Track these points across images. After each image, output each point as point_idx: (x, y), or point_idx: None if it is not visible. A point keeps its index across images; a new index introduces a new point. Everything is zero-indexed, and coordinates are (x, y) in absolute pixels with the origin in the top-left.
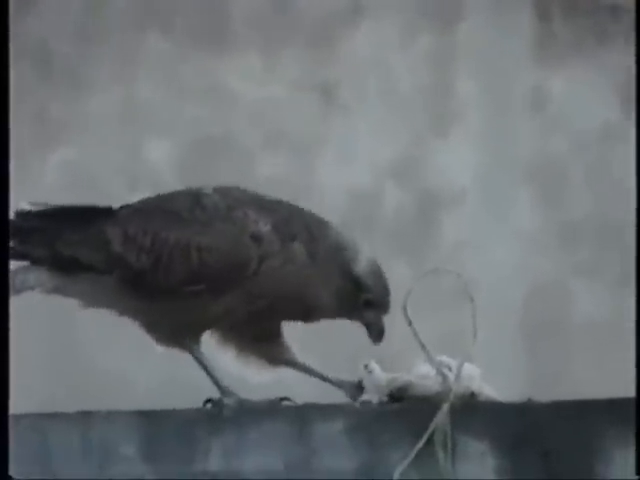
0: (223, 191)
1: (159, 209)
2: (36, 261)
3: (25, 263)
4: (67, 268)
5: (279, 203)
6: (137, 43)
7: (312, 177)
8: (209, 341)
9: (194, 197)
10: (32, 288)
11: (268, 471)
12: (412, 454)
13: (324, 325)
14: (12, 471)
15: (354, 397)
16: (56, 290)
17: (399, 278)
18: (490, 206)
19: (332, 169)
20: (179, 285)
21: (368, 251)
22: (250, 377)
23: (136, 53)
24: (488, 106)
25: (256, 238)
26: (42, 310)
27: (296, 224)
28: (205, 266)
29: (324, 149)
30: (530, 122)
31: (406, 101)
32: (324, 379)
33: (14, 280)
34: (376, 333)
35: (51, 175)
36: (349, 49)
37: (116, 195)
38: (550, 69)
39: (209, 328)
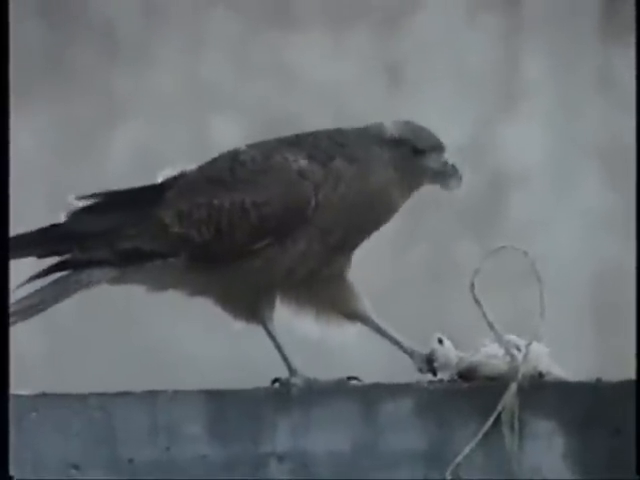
0: (255, 144)
1: (202, 179)
2: (99, 263)
3: None
4: (131, 260)
5: (303, 134)
6: (203, 21)
7: None
8: (284, 312)
9: (231, 157)
10: (99, 282)
11: (335, 451)
12: (479, 434)
13: (393, 305)
14: (78, 451)
15: (422, 369)
16: (123, 281)
17: (468, 257)
18: (558, 185)
19: None
20: (246, 245)
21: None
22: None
23: (202, 31)
24: (555, 85)
25: (302, 174)
26: (109, 291)
27: (323, 143)
28: (266, 219)
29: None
30: (597, 100)
31: (473, 80)
32: (395, 343)
33: (79, 277)
34: (449, 176)
35: (117, 152)
36: (416, 28)
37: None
38: (617, 47)
39: (282, 286)
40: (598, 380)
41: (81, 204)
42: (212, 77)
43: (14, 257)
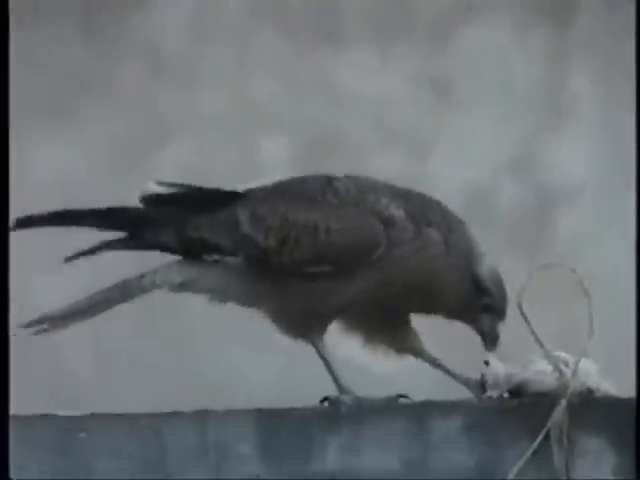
0: (355, 178)
1: (290, 191)
2: (165, 248)
3: (153, 264)
4: (195, 252)
5: (414, 192)
6: (251, 39)
7: (427, 173)
8: (333, 330)
9: (326, 181)
10: (160, 286)
11: (385, 469)
12: (529, 452)
13: (441, 323)
14: (129, 472)
15: (477, 395)
16: (184, 286)
17: (515, 274)
18: (605, 201)
19: (447, 165)
20: (303, 265)
21: (490, 257)
22: (375, 367)
23: (250, 50)
24: (603, 100)
25: (387, 222)
26: (159, 309)
27: (432, 212)
28: (331, 247)
29: (439, 145)
30: None
31: (521, 96)
32: (450, 374)
33: (140, 282)
34: (491, 340)
35: (164, 173)
36: (463, 44)
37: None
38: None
39: (336, 316)
40: None
41: (158, 189)
42: (259, 96)
43: (78, 224)
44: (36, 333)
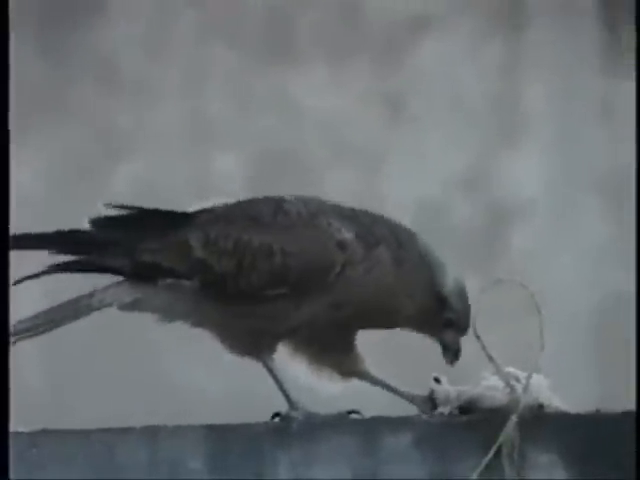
0: (304, 199)
1: (241, 214)
2: (116, 271)
3: (104, 283)
4: (147, 275)
5: (360, 211)
6: (204, 56)
7: (380, 189)
8: (280, 351)
9: (276, 203)
10: (110, 305)
11: None
12: (481, 467)
13: (394, 340)
14: None
15: (425, 411)
16: (133, 305)
17: (468, 289)
18: (560, 217)
19: (400, 181)
20: (261, 288)
21: (455, 269)
22: (321, 388)
23: (203, 66)
24: (557, 116)
25: (341, 246)
26: (109, 327)
27: (380, 229)
28: (288, 269)
29: (392, 161)
30: (598, 132)
31: (474, 111)
32: (396, 392)
33: (90, 300)
34: (452, 354)
35: (119, 188)
36: (416, 60)
37: (184, 208)
38: (617, 78)
39: (288, 337)
40: (598, 411)
41: (108, 212)
42: (213, 112)
43: (25, 248)
44: None
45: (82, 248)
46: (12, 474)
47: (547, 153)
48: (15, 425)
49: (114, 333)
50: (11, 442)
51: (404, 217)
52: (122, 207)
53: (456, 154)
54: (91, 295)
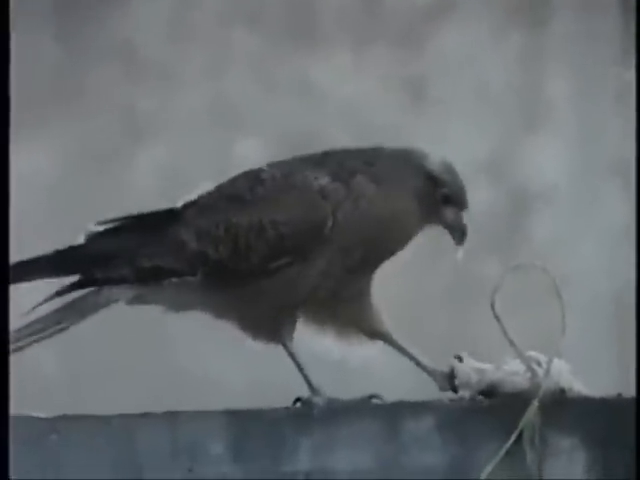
0: (277, 163)
1: (222, 198)
2: (119, 282)
3: None
4: (149, 279)
5: (330, 153)
6: (226, 39)
7: None
8: (306, 331)
9: (252, 176)
10: (116, 301)
11: (358, 470)
12: (502, 452)
13: (414, 323)
14: (100, 473)
15: (444, 388)
16: (140, 300)
17: (489, 274)
18: (580, 202)
19: None
20: (263, 264)
21: (437, 154)
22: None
23: (225, 50)
24: (578, 103)
25: (322, 193)
26: (130, 311)
27: (349, 161)
28: (283, 238)
29: (413, 145)
30: (618, 120)
31: (496, 98)
32: (416, 362)
33: (97, 298)
34: (458, 233)
35: (139, 173)
36: (439, 46)
37: (205, 191)
38: (637, 68)
39: (303, 305)
40: (619, 396)
41: (100, 228)
42: (235, 96)
43: (32, 279)
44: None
45: (83, 265)
46: (32, 459)
47: (569, 140)
48: (35, 411)
49: (132, 320)
50: (31, 428)
51: None
52: (113, 220)
53: (478, 140)
54: (97, 292)
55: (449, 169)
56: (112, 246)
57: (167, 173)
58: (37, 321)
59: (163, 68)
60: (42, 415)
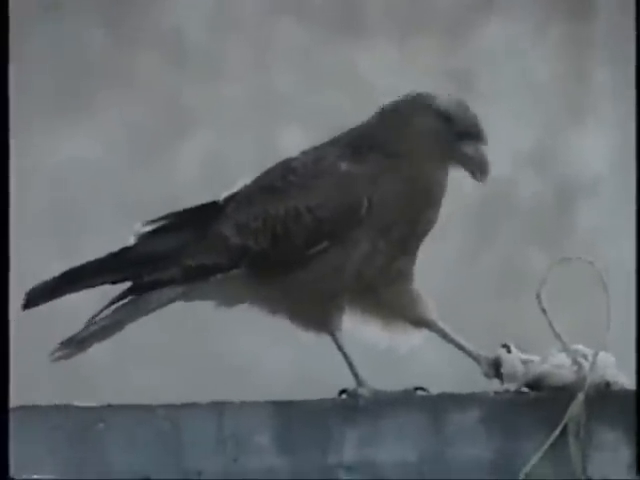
0: (308, 150)
1: (257, 189)
2: (167, 283)
3: None
4: (197, 277)
5: (343, 134)
6: (271, 30)
7: None
8: (351, 321)
9: (283, 166)
10: (168, 302)
11: (403, 462)
12: (546, 445)
13: (460, 315)
14: (146, 462)
15: (488, 374)
16: (191, 297)
17: (535, 266)
18: (626, 194)
19: None
20: (303, 250)
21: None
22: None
23: (270, 40)
24: (622, 95)
25: (350, 176)
26: (177, 304)
27: (366, 136)
28: (320, 222)
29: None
30: None
31: (541, 89)
32: (461, 348)
33: (148, 299)
34: (480, 167)
35: (185, 162)
36: (483, 37)
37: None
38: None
39: (352, 291)
40: None
41: (148, 228)
42: (279, 87)
43: (88, 286)
44: (57, 359)
45: (135, 268)
46: (78, 448)
47: (613, 130)
48: (82, 400)
49: (179, 310)
50: (78, 417)
51: (472, 193)
52: (159, 219)
53: (523, 131)
54: (149, 295)
55: (460, 104)
56: (160, 247)
57: (211, 162)
58: (89, 325)
59: (208, 57)
60: (89, 404)
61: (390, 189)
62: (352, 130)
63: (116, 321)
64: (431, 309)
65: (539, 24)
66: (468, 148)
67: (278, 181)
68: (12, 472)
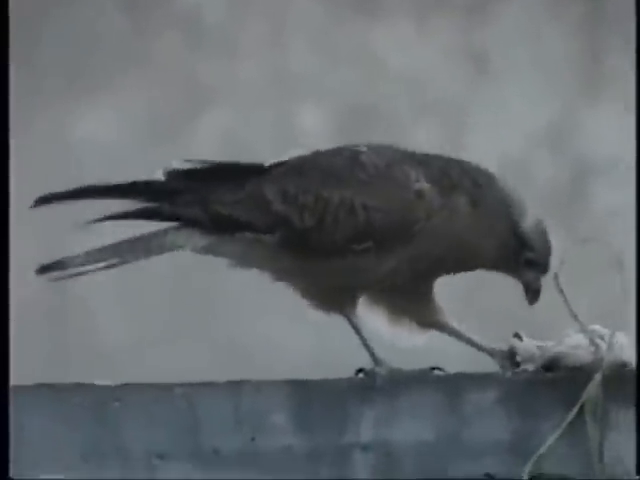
0: (378, 149)
1: (316, 168)
2: (188, 222)
3: (175, 224)
4: (224, 228)
5: (434, 156)
6: (288, 8)
7: (463, 144)
8: (360, 304)
9: (352, 155)
10: (182, 247)
11: (419, 441)
12: (563, 425)
13: (475, 296)
14: (162, 441)
15: (505, 366)
16: (208, 249)
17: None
18: None
19: (483, 136)
20: (346, 243)
21: (535, 210)
22: (401, 341)
23: (287, 19)
24: (638, 74)
25: (419, 195)
26: (194, 279)
27: (454, 173)
28: (372, 225)
29: (475, 117)
30: None
31: (557, 69)
32: (475, 345)
33: (163, 239)
34: (533, 294)
35: (202, 140)
36: (500, 16)
37: (265, 160)
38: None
39: (370, 290)
40: None
41: (180, 167)
42: (296, 65)
43: (103, 197)
44: (55, 279)
45: (154, 197)
46: (95, 426)
47: (629, 110)
48: (98, 379)
49: (195, 289)
50: (94, 395)
51: None
52: (196, 161)
53: (539, 110)
54: (164, 234)
55: (541, 231)
56: (188, 184)
57: (228, 140)
58: (98, 250)
59: (225, 36)
60: (105, 383)
61: (447, 229)
62: (435, 156)
63: (116, 254)
64: (443, 314)
65: (555, 4)
66: (530, 274)
67: (343, 170)
68: (12, 472)
